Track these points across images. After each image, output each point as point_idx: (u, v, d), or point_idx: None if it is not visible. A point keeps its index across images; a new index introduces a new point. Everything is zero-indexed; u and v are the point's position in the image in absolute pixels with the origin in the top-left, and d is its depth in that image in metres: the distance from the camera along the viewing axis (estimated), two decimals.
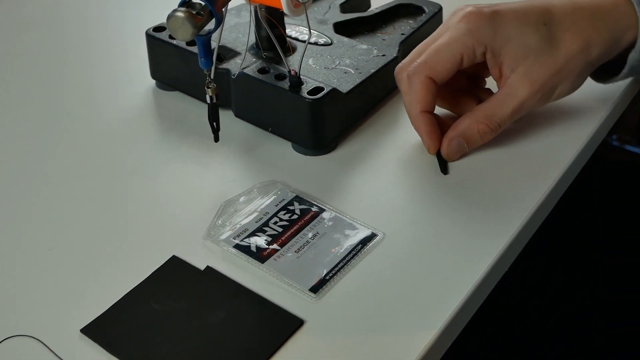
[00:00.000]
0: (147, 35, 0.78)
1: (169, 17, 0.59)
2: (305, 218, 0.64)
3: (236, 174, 0.70)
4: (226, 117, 0.73)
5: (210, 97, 0.66)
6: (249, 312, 0.58)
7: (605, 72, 0.70)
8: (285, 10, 0.64)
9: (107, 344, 0.56)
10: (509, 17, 0.65)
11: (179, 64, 0.76)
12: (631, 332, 1.00)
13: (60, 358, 0.55)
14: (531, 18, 0.66)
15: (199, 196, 0.68)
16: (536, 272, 0.83)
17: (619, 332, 1.01)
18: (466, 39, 0.65)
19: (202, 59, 0.64)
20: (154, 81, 0.80)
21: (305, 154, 0.71)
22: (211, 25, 0.61)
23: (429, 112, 0.67)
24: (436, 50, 0.66)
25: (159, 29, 0.77)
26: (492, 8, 0.65)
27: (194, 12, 0.59)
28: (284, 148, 0.72)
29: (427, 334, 0.55)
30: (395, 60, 0.74)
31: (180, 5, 0.60)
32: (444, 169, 0.68)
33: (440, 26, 0.69)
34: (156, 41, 0.77)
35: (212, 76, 0.66)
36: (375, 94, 0.75)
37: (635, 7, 0.66)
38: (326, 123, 0.69)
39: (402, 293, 0.58)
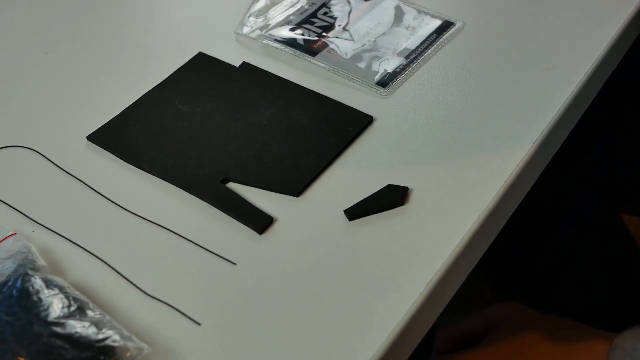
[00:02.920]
0: None
1: None
2: (362, 7, 0.51)
3: None
4: None
5: None
6: (302, 109, 0.45)
7: None
8: None
9: (118, 149, 0.44)
10: None
11: None
12: None
13: (58, 167, 0.43)
14: None
15: None
16: None
17: None
18: None
19: None
20: None
21: None
22: None
23: None
24: None
25: None
26: None
27: None
28: None
29: (527, 141, 0.43)
30: None
31: None
32: None
33: None
34: None
35: None
36: None
37: None
38: None
39: (493, 89, 0.46)
